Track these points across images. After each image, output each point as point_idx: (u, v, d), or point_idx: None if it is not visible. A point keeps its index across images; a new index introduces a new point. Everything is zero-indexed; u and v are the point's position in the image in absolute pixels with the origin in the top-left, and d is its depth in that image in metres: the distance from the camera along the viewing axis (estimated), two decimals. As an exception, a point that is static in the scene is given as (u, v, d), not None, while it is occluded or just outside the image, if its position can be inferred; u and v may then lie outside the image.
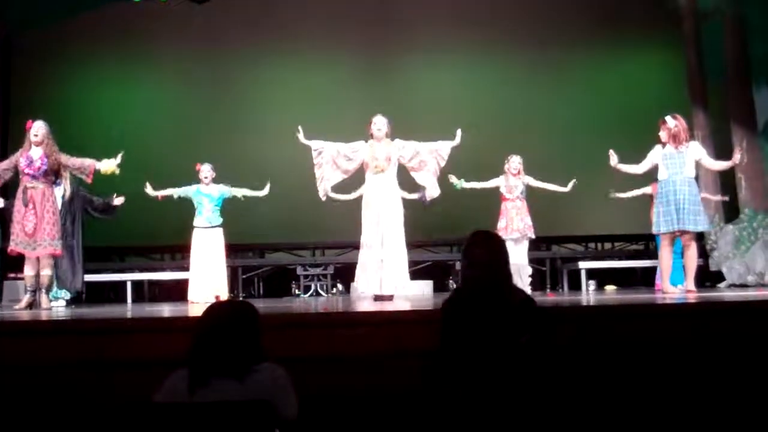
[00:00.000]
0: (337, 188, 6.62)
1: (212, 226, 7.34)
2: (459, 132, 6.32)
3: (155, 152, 10.04)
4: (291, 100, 10.33)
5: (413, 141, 6.36)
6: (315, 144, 6.34)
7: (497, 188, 7.60)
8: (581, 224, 10.10)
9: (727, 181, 8.75)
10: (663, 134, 6.04)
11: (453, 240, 9.89)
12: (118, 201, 7.32)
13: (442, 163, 6.36)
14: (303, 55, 10.40)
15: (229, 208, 7.55)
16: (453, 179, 7.26)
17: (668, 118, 6.03)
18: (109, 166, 6.18)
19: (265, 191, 7.40)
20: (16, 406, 3.26)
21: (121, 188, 9.40)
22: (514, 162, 7.64)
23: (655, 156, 6.08)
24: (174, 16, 10.34)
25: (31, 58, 10.26)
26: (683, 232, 5.92)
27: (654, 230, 6.10)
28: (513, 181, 7.62)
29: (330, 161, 6.29)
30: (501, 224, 7.59)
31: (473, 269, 2.83)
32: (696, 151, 6.07)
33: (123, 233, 9.24)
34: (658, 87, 10.05)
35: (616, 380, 3.31)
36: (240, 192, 7.42)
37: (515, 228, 7.51)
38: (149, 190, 7.36)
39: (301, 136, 6.35)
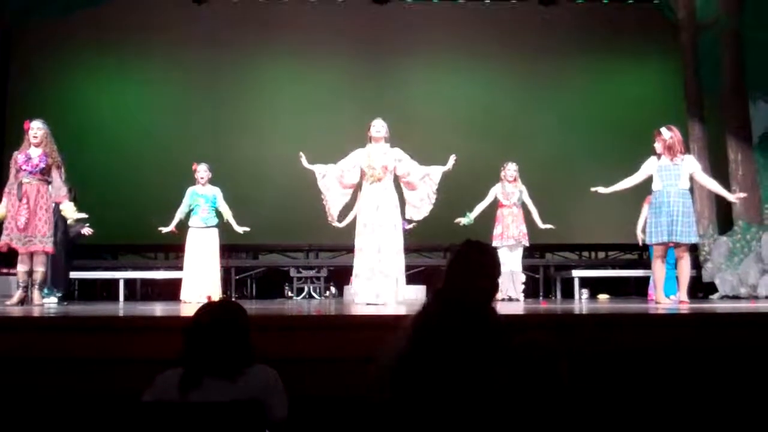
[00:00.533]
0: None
1: (207, 227, 7.32)
2: (452, 158, 6.27)
3: (153, 149, 10.05)
4: (288, 103, 10.35)
5: (411, 161, 6.33)
6: (318, 168, 6.30)
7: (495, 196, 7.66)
8: (575, 233, 10.11)
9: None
10: (658, 145, 6.03)
11: (447, 245, 9.88)
12: (86, 231, 7.24)
13: (434, 187, 6.31)
14: (301, 58, 10.41)
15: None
16: (462, 221, 7.49)
17: (663, 130, 6.02)
18: (68, 211, 6.24)
19: (241, 230, 7.37)
20: (4, 402, 3.24)
21: (117, 185, 9.44)
22: (510, 169, 7.67)
23: (650, 167, 6.06)
24: (174, 15, 10.35)
25: (31, 51, 10.23)
26: (677, 244, 5.92)
27: (647, 241, 6.11)
28: (509, 187, 7.64)
29: (335, 182, 6.25)
30: (497, 231, 7.61)
31: (487, 280, 2.61)
32: (691, 165, 6.06)
33: (116, 231, 9.22)
34: (655, 98, 10.07)
35: (607, 390, 3.31)
36: (226, 213, 7.38)
37: (510, 235, 7.53)
38: (164, 229, 7.36)
39: (303, 161, 6.31)
